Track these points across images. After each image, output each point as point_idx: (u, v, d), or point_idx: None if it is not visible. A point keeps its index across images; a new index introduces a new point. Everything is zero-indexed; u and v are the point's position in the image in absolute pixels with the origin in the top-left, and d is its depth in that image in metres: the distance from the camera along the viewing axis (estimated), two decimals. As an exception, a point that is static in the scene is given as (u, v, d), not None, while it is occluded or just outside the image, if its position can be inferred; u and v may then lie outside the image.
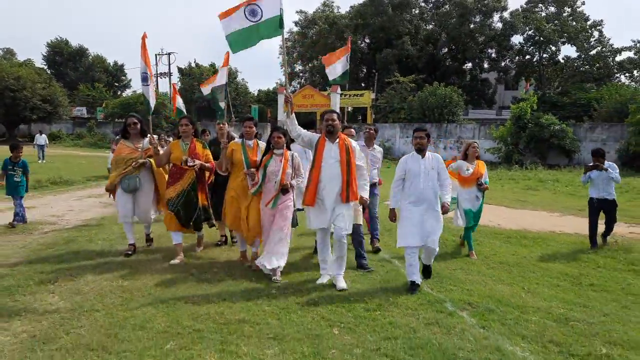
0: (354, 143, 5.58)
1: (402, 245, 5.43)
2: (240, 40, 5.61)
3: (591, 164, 8.05)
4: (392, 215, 5.60)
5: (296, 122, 5.51)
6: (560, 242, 8.28)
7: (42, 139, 24.36)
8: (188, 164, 6.01)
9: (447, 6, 49.14)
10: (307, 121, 37.63)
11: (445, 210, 5.42)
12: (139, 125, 6.67)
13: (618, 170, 8.00)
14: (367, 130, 7.45)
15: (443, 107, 34.36)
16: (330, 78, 7.85)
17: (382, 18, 46.53)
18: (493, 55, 50.37)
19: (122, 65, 70.78)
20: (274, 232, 5.61)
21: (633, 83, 42.77)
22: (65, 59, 67.36)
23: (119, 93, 67.32)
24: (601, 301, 5.20)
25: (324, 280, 5.50)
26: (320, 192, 5.36)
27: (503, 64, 50.29)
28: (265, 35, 5.56)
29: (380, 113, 38.92)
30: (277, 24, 5.46)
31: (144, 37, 6.51)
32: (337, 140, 5.43)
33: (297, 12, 54.21)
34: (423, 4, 51.65)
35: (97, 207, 10.99)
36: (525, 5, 47.35)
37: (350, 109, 42.05)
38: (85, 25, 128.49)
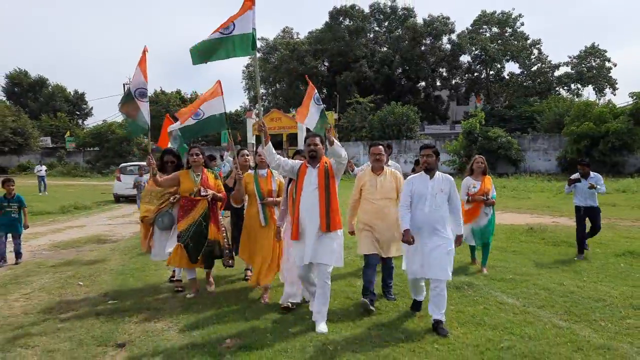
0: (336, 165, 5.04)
1: (408, 274, 5.10)
2: (204, 51, 5.32)
3: (574, 177, 8.18)
4: (408, 237, 4.77)
5: (273, 151, 5.15)
6: (498, 230, 10.79)
7: (42, 170, 24.62)
8: (201, 193, 5.71)
9: (399, 30, 52.74)
10: (274, 142, 39.77)
11: (458, 243, 4.91)
12: (176, 163, 6.46)
13: (602, 181, 8.15)
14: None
15: (401, 124, 37.37)
16: (312, 129, 6.35)
17: (340, 43, 49.64)
18: (444, 74, 54.15)
19: (83, 94, 71.13)
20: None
21: (571, 95, 47.05)
22: (25, 90, 67.67)
23: (80, 122, 67.95)
24: (517, 258, 7.90)
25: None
26: (301, 224, 4.94)
27: (454, 81, 54.08)
28: (236, 53, 5.33)
29: (343, 132, 41.69)
30: (250, 43, 5.26)
31: (144, 51, 6.25)
32: (318, 165, 4.99)
33: (258, 39, 56.70)
34: (377, 29, 55.12)
35: (133, 224, 12.85)
36: (471, 27, 51.35)
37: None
38: (43, 54, 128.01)
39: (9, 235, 8.47)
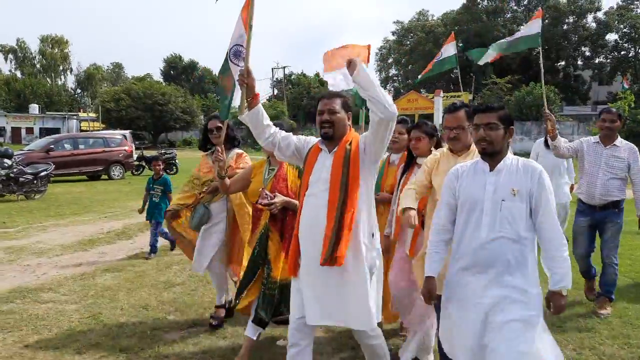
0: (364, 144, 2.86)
1: (449, 356, 2.74)
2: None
3: None
4: (431, 289, 2.61)
5: (263, 117, 3.03)
6: None
7: None
8: (259, 201, 3.36)
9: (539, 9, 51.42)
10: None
11: (558, 308, 2.41)
12: (223, 132, 3.91)
13: None
14: (602, 120, 4.67)
15: (540, 105, 37.25)
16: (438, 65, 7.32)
17: (477, 24, 49.71)
18: (587, 53, 51.97)
19: (227, 76, 78.05)
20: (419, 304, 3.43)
21: None
22: (179, 72, 75.77)
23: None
24: None
25: None
26: (300, 247, 2.88)
27: (597, 60, 51.71)
28: None
29: (477, 113, 42.28)
30: None
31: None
32: (336, 148, 2.85)
33: (393, 22, 58.39)
34: (515, 7, 54.19)
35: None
36: (621, 3, 48.65)
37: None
38: (192, 39, 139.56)
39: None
